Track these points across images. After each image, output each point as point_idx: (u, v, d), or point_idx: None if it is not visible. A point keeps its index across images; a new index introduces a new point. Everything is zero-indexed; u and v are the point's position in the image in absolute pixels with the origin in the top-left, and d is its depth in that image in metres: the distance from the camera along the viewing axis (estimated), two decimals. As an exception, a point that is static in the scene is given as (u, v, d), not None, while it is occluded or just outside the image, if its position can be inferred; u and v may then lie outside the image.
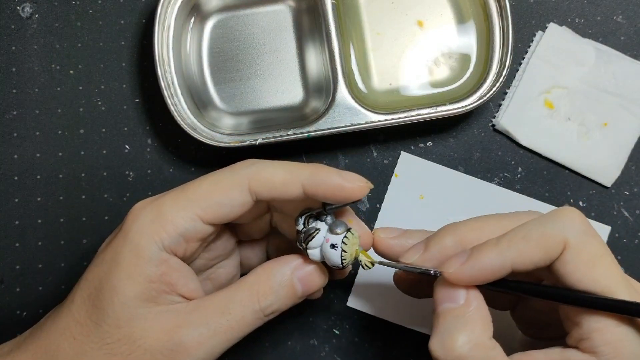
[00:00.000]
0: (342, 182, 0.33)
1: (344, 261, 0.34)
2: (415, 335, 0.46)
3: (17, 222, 0.46)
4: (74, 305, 0.33)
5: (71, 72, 0.47)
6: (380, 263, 0.36)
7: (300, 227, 0.35)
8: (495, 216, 0.34)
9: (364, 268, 0.35)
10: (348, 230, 0.34)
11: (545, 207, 0.46)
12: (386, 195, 0.47)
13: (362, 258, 0.35)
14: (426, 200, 0.47)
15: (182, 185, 0.34)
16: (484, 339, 0.31)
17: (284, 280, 0.34)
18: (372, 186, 0.34)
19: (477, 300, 0.32)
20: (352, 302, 0.46)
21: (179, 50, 0.45)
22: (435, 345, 0.31)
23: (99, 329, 0.32)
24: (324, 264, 0.35)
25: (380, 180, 0.47)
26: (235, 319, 0.33)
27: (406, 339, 0.46)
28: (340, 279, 0.39)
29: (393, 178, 0.47)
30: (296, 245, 0.35)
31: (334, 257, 0.34)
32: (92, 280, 0.33)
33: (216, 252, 0.38)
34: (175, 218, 0.33)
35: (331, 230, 0.34)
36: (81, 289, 0.33)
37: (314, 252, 0.34)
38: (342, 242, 0.34)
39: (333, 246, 0.34)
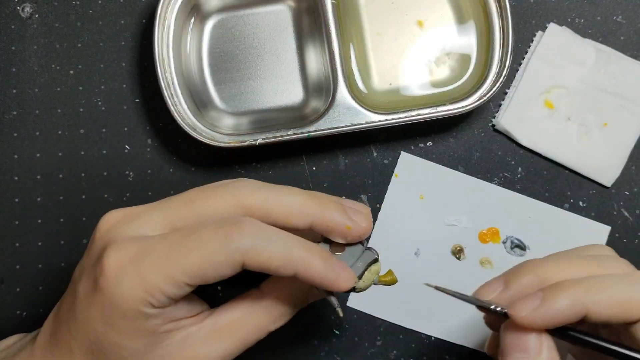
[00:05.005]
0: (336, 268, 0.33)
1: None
2: (416, 335, 0.46)
3: (17, 222, 0.46)
4: (76, 358, 0.33)
5: (71, 72, 0.47)
6: (450, 294, 0.34)
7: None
8: (579, 257, 0.33)
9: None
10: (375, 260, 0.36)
11: (545, 207, 0.46)
12: (386, 195, 0.47)
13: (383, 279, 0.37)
14: (426, 200, 0.47)
15: (167, 236, 0.32)
16: None
17: (302, 300, 0.36)
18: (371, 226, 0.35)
19: (548, 350, 0.31)
20: (352, 302, 0.46)
21: (179, 50, 0.45)
22: None
23: None
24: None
25: (380, 180, 0.47)
26: (249, 341, 0.35)
27: (406, 339, 0.46)
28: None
29: (393, 178, 0.47)
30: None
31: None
32: (87, 333, 0.32)
33: None
34: (163, 287, 0.31)
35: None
36: (76, 338, 0.32)
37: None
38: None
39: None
